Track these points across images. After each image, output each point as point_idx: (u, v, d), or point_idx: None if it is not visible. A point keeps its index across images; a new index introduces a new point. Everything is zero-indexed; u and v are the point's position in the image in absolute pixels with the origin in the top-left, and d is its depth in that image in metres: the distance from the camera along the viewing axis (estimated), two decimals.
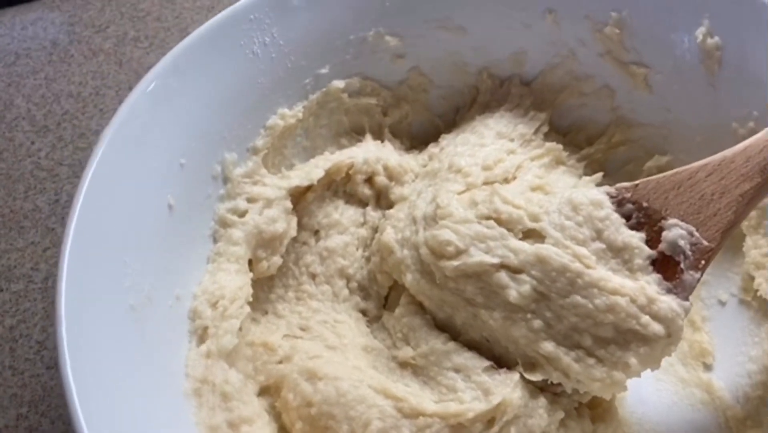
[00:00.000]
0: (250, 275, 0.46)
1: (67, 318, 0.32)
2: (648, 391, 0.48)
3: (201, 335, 0.42)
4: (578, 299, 0.41)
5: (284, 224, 0.48)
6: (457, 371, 0.44)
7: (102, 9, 0.80)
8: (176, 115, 0.43)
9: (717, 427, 0.46)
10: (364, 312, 0.51)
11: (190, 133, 0.44)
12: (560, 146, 0.54)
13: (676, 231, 0.41)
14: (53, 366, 0.54)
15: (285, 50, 0.49)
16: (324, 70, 0.52)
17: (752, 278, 0.48)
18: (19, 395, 0.52)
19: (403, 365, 0.45)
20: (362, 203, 0.53)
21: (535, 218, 0.44)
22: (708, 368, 0.49)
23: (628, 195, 0.44)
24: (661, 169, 0.54)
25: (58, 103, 0.71)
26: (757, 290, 0.47)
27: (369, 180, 0.53)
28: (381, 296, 0.51)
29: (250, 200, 0.48)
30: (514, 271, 0.43)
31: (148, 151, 0.41)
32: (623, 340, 0.40)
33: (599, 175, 0.53)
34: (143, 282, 0.39)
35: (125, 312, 0.37)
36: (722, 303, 0.50)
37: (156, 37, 0.76)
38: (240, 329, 0.43)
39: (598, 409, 0.46)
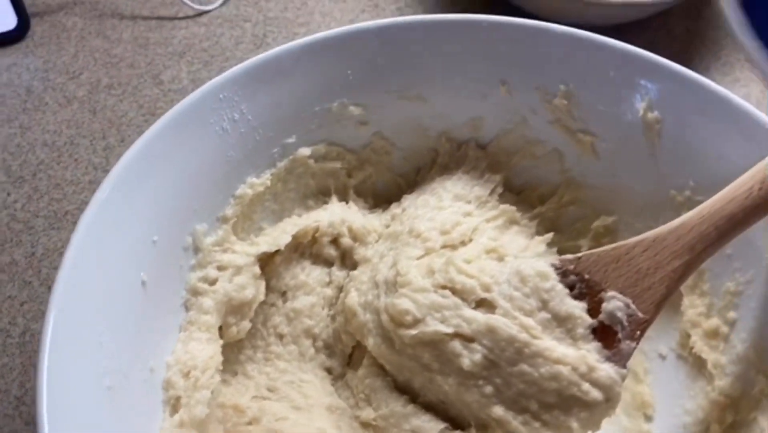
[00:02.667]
0: (221, 342, 0.49)
1: (48, 409, 0.34)
2: None
3: (174, 405, 0.44)
4: (525, 367, 0.44)
5: (253, 290, 0.51)
6: None
7: (75, 54, 0.81)
8: (148, 197, 0.45)
9: None
10: (329, 370, 0.54)
11: (162, 211, 0.47)
12: (513, 208, 0.57)
13: (614, 303, 0.45)
14: (32, 422, 0.56)
15: (253, 124, 0.52)
16: (291, 140, 0.54)
17: (688, 336, 0.52)
18: None
19: (365, 425, 0.49)
20: (328, 263, 0.56)
21: (486, 288, 0.47)
22: (648, 418, 0.53)
23: (572, 267, 0.47)
24: (607, 229, 0.58)
25: (33, 153, 0.72)
26: (692, 347, 0.51)
27: (334, 241, 0.56)
28: (345, 354, 0.54)
29: (220, 268, 0.50)
30: (467, 340, 0.46)
31: (122, 234, 0.44)
32: (566, 405, 0.44)
33: (550, 235, 0.56)
34: (120, 361, 0.41)
35: (102, 393, 0.39)
36: (663, 357, 0.54)
37: (129, 84, 0.78)
38: (212, 392, 0.46)
39: None
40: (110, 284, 0.42)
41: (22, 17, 0.82)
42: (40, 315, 0.62)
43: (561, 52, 0.53)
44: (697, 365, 0.51)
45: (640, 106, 0.52)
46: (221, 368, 0.47)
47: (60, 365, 0.36)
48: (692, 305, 0.52)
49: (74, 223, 0.42)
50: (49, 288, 0.63)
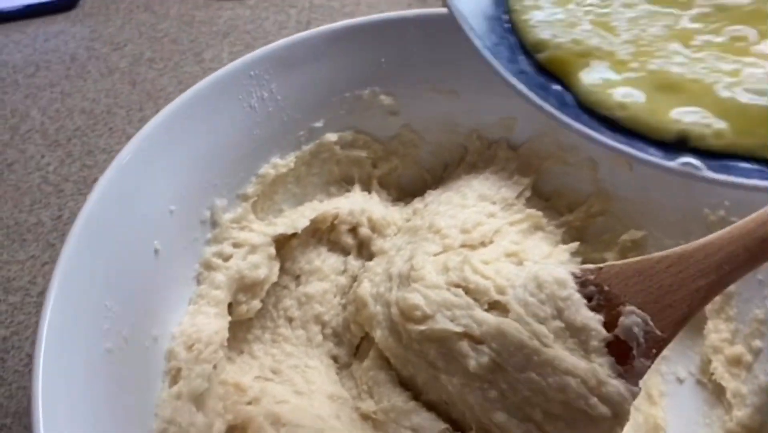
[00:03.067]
0: (228, 318, 0.48)
1: (44, 364, 0.34)
2: None
3: (174, 376, 0.44)
4: (533, 375, 0.43)
5: (266, 270, 0.50)
6: (414, 430, 0.46)
7: (122, 27, 0.83)
8: (170, 165, 0.45)
9: None
10: (335, 358, 0.53)
11: (182, 182, 0.47)
12: (540, 213, 0.56)
13: (632, 318, 0.43)
14: None
15: (282, 105, 0.52)
16: (318, 124, 0.54)
17: (709, 361, 0.50)
18: (5, 405, 0.55)
19: (365, 417, 0.48)
20: (344, 252, 0.56)
21: (501, 291, 0.46)
22: None
23: (592, 277, 0.46)
24: (635, 243, 0.56)
25: (70, 119, 0.74)
26: (712, 373, 0.49)
27: (353, 230, 0.55)
28: (353, 345, 0.53)
29: (235, 245, 0.50)
30: (475, 341, 0.45)
31: (140, 200, 0.44)
32: (571, 418, 0.42)
33: (575, 244, 0.55)
34: (122, 325, 0.41)
35: (101, 355, 0.39)
36: (680, 380, 0.52)
37: (170, 60, 0.79)
38: (214, 367, 0.46)
39: None
40: (121, 247, 0.42)
41: None
42: None
43: None
44: (716, 393, 0.49)
45: None
46: (226, 344, 0.47)
47: (60, 320, 0.36)
48: (716, 330, 0.50)
49: None
50: None
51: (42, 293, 0.62)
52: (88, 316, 0.38)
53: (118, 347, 0.40)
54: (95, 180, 0.68)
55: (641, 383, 0.43)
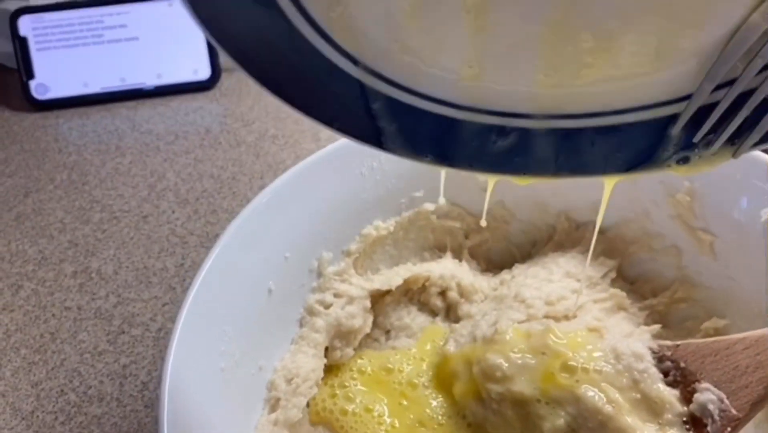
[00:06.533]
0: (325, 360, 0.53)
1: (171, 374, 0.40)
2: None
3: (273, 405, 0.49)
4: None
5: (361, 321, 0.55)
6: None
7: (252, 106, 0.94)
8: (288, 219, 0.52)
9: None
10: None
11: (297, 233, 0.53)
12: (624, 294, 0.58)
13: (707, 395, 0.45)
14: (150, 406, 0.63)
15: (388, 174, 0.58)
16: (418, 193, 0.60)
17: None
18: (119, 424, 0.61)
19: None
20: (433, 313, 0.60)
21: (579, 359, 0.49)
22: None
23: (669, 353, 0.48)
24: (718, 332, 0.57)
25: (200, 182, 0.84)
26: None
27: (442, 293, 0.60)
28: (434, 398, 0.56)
29: (336, 295, 0.56)
30: (552, 405, 0.47)
31: (261, 245, 0.50)
32: None
33: (657, 327, 0.56)
34: (235, 349, 0.47)
35: (216, 372, 0.45)
36: None
37: (291, 137, 0.89)
38: (307, 405, 0.51)
39: None
40: (244, 282, 0.48)
41: (216, 71, 0.96)
42: (177, 317, 0.70)
43: None
44: None
45: (765, 212, 0.52)
46: (321, 382, 0.51)
47: (188, 337, 0.43)
48: None
49: None
50: None
51: (160, 330, 0.69)
52: (211, 336, 0.45)
53: (230, 367, 0.46)
54: (217, 235, 0.77)
55: None
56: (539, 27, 0.30)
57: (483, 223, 0.54)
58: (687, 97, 0.33)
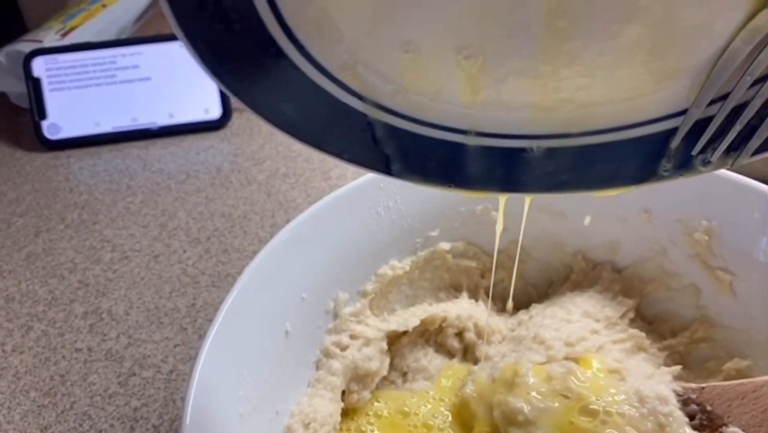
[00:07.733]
0: (342, 404, 0.52)
1: (190, 422, 0.40)
2: None
3: None
4: None
5: (378, 363, 0.54)
6: None
7: (262, 145, 0.94)
8: (304, 259, 0.52)
9: None
10: None
11: (313, 273, 0.53)
12: (643, 334, 0.57)
13: None
14: None
15: (404, 213, 0.58)
16: (434, 233, 0.60)
17: None
18: None
19: None
20: (450, 354, 0.59)
21: (602, 402, 0.48)
22: None
23: (694, 396, 0.47)
24: (740, 373, 0.56)
25: (211, 221, 0.83)
26: None
27: (459, 334, 0.59)
28: None
29: (352, 337, 0.55)
30: None
31: (278, 286, 0.50)
32: None
33: (677, 368, 0.55)
34: (253, 394, 0.46)
35: (234, 418, 0.44)
36: None
37: (302, 176, 0.89)
38: None
39: None
40: (260, 325, 0.48)
41: (227, 110, 0.97)
42: (188, 358, 0.69)
43: (707, 189, 0.54)
44: None
45: None
46: (338, 427, 0.50)
47: (207, 381, 0.42)
48: None
49: (233, 284, 0.49)
50: (201, 336, 0.71)
51: (171, 372, 0.68)
52: (230, 381, 0.44)
53: (248, 413, 0.45)
54: (228, 275, 0.76)
55: None
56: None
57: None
58: (684, 112, 0.35)
